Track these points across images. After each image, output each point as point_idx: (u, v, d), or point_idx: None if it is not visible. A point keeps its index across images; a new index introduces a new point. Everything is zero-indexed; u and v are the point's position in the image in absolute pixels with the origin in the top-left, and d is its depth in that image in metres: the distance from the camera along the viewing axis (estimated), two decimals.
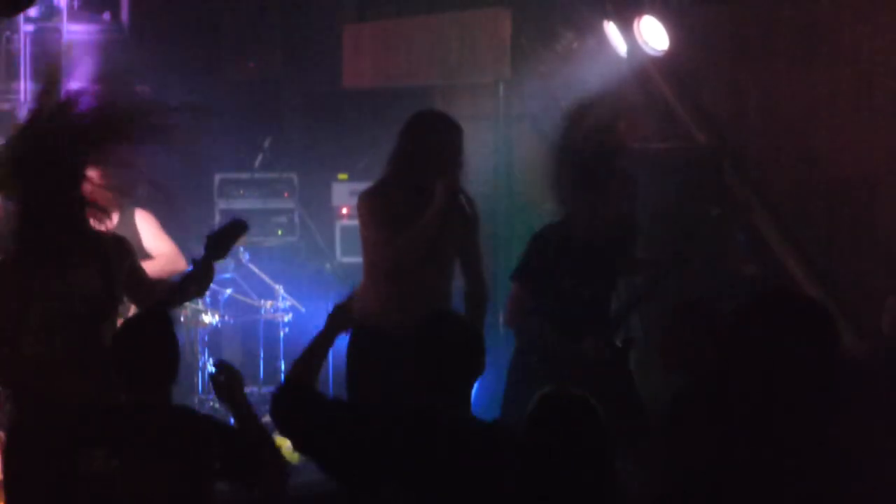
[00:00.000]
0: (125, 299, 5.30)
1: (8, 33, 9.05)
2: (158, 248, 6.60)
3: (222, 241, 5.18)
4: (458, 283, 5.78)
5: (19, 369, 4.97)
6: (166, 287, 5.29)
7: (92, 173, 5.18)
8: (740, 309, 3.40)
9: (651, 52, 7.24)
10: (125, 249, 5.17)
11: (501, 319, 6.97)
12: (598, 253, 5.76)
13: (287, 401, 4.23)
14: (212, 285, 7.89)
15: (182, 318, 7.81)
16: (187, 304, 7.80)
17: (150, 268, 5.58)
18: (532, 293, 5.80)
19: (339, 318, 4.49)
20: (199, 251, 5.17)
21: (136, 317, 4.72)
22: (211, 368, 7.93)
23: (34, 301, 4.95)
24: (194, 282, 5.19)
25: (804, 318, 3.31)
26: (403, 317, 5.23)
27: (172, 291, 5.21)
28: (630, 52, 7.30)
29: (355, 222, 5.46)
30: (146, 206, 6.56)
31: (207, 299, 8.07)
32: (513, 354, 5.91)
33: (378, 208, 5.46)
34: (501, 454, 3.77)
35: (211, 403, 7.92)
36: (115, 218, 6.41)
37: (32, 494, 4.66)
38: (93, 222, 5.10)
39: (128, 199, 6.29)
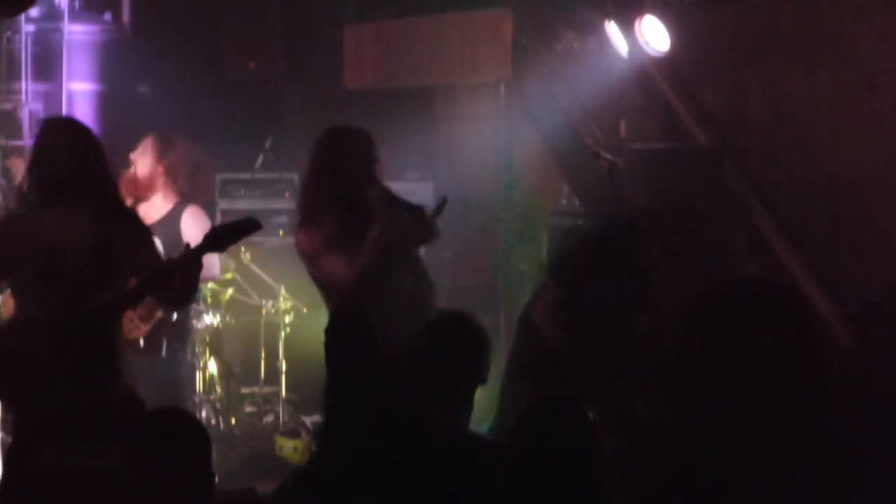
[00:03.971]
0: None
1: (9, 33, 9.07)
2: None
3: (225, 235, 4.96)
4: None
5: None
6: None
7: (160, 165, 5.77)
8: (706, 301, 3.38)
9: (652, 52, 7.24)
10: (136, 230, 5.10)
11: (502, 319, 6.97)
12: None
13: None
14: (213, 285, 7.93)
15: None
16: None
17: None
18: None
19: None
20: None
21: (71, 321, 4.61)
22: (211, 369, 7.97)
23: (23, 259, 4.92)
24: (178, 269, 4.93)
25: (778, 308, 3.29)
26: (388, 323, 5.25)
27: (153, 274, 4.99)
28: (631, 52, 7.30)
29: None
30: (201, 205, 6.51)
31: (209, 299, 8.07)
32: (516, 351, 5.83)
33: (321, 239, 5.39)
34: (489, 470, 3.67)
35: (211, 402, 7.94)
36: (164, 208, 6.42)
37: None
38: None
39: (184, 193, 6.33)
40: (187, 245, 4.96)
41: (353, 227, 5.32)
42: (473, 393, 4.11)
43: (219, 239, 4.93)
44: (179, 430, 4.07)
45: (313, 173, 5.47)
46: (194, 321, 7.89)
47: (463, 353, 4.06)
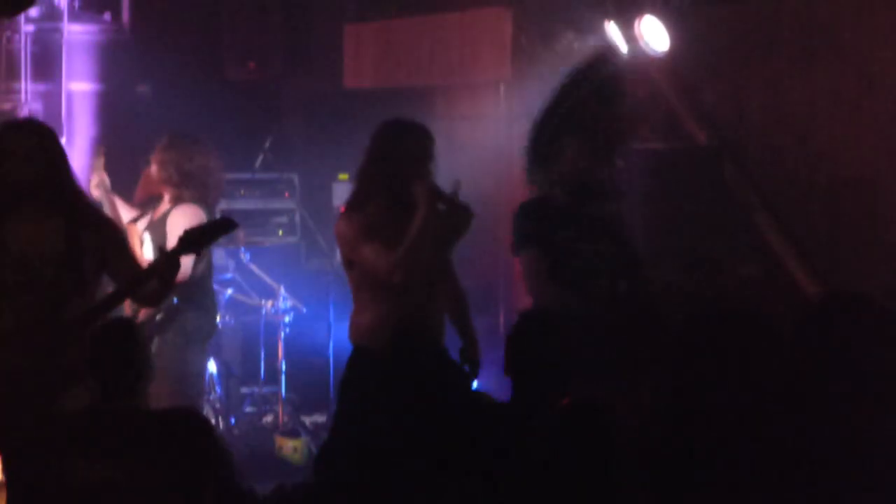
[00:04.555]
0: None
1: (8, 33, 9.06)
2: None
3: (198, 236, 4.90)
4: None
5: None
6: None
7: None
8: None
9: (652, 52, 7.25)
10: (108, 235, 5.02)
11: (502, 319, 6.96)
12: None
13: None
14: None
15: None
16: None
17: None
18: (542, 254, 5.73)
19: None
20: None
21: (103, 326, 4.56)
22: (211, 369, 7.96)
23: None
24: (154, 274, 4.89)
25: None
26: (422, 331, 5.21)
27: (130, 281, 4.93)
28: (631, 51, 7.30)
29: None
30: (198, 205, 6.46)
31: None
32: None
33: (362, 226, 5.36)
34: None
35: (211, 402, 7.93)
36: (165, 207, 6.40)
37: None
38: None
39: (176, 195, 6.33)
40: (161, 248, 4.98)
41: (395, 218, 5.32)
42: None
43: (192, 241, 4.89)
44: (188, 430, 4.09)
45: (365, 163, 5.51)
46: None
47: (543, 355, 4.16)
